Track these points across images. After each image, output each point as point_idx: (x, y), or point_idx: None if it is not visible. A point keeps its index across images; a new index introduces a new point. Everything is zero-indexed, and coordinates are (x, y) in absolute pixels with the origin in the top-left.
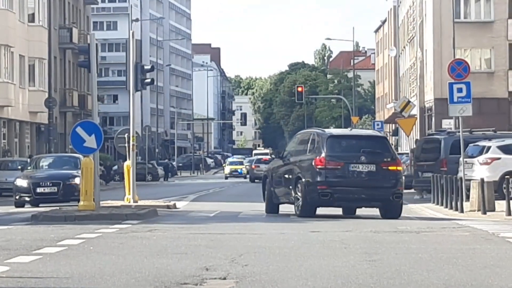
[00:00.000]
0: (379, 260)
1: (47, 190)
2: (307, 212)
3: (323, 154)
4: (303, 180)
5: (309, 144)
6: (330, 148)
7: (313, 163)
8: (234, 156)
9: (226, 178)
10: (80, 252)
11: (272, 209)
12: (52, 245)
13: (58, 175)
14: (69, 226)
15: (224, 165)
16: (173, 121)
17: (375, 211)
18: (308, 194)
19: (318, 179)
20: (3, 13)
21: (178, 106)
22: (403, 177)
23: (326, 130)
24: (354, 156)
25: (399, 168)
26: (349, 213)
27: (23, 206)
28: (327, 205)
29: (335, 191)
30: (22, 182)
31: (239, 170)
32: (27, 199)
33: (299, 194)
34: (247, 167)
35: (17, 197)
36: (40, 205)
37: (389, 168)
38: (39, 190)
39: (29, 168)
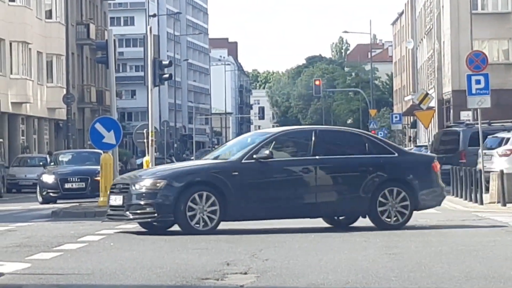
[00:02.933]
0: (399, 254)
1: (75, 185)
2: None
3: None
4: None
5: None
6: None
7: None
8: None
9: None
10: (100, 248)
11: None
12: (72, 242)
13: (85, 170)
14: (89, 222)
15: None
16: (191, 116)
17: None
18: None
19: None
20: (21, 10)
21: (196, 101)
22: None
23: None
24: None
25: None
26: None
27: (49, 203)
28: None
29: None
30: (48, 178)
31: None
32: (54, 195)
33: None
34: None
35: (44, 193)
36: (67, 201)
37: None
38: (67, 185)
39: (52, 164)
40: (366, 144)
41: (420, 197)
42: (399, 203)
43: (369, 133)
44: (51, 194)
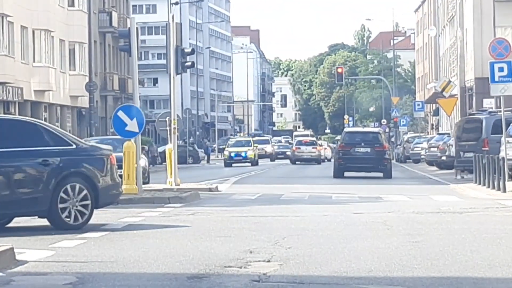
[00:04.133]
0: (422, 241)
1: None
2: (336, 173)
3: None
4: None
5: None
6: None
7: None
8: (243, 135)
9: (226, 165)
10: (123, 236)
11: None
12: (95, 229)
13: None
14: (112, 210)
15: (224, 146)
16: (213, 103)
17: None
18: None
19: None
20: None
21: (218, 88)
22: (389, 156)
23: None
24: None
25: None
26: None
27: None
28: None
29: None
30: None
31: (243, 154)
32: None
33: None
34: (255, 149)
35: None
36: None
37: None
38: None
39: None
40: (43, 135)
41: (101, 193)
42: (80, 201)
43: (46, 123)
44: None
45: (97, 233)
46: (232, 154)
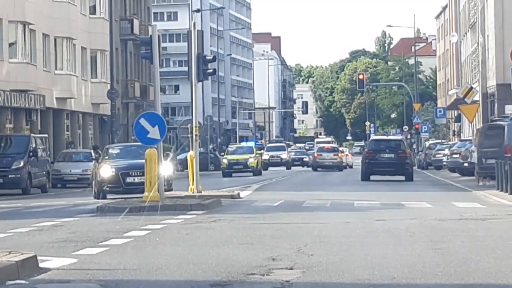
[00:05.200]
0: (445, 248)
1: (137, 179)
2: (363, 177)
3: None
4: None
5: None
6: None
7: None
8: (243, 142)
9: (225, 175)
10: (146, 243)
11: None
12: (118, 237)
13: (141, 164)
14: (134, 217)
15: (222, 154)
16: (234, 110)
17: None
18: (363, 167)
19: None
20: (65, 6)
21: (239, 95)
22: (411, 161)
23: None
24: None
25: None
26: None
27: (105, 198)
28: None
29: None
30: (108, 172)
31: (243, 162)
32: (114, 189)
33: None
34: (259, 156)
35: (103, 188)
36: (129, 195)
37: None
38: (128, 180)
39: (106, 157)
40: None
41: None
42: None
43: None
44: (109, 189)
45: (120, 240)
46: (232, 162)
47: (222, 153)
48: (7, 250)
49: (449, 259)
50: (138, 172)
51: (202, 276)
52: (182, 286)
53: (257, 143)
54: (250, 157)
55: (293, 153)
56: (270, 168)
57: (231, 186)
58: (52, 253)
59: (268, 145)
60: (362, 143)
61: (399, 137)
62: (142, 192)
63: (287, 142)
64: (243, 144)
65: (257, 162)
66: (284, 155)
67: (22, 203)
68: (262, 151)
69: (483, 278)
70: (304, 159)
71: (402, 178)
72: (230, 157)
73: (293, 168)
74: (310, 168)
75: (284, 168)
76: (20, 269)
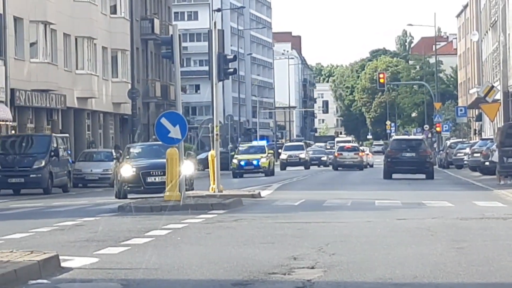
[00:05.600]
0: (466, 248)
1: (158, 179)
2: (386, 175)
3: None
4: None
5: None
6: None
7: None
8: (254, 141)
9: (235, 175)
10: (167, 242)
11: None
12: (139, 236)
13: (162, 164)
14: (155, 216)
15: (233, 154)
16: (255, 110)
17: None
18: (385, 166)
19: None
20: (86, 6)
21: (259, 95)
22: (432, 160)
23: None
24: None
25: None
26: None
27: (126, 197)
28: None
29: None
30: (129, 172)
31: (254, 162)
32: (135, 189)
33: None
34: (271, 156)
35: (124, 187)
36: (149, 195)
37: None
38: (149, 179)
39: (127, 157)
40: None
41: None
42: None
43: None
44: (130, 188)
45: (141, 239)
46: (242, 163)
47: (270, 152)
48: (29, 250)
49: (471, 258)
50: (159, 172)
51: (223, 276)
52: (204, 285)
53: (268, 142)
54: (262, 157)
55: (311, 152)
56: (288, 168)
57: (252, 185)
58: (74, 253)
59: (286, 144)
60: (381, 142)
61: (420, 137)
62: (163, 191)
63: (308, 141)
64: (255, 143)
65: (269, 162)
66: (302, 154)
67: (44, 203)
68: (272, 150)
69: (505, 277)
70: (322, 159)
71: (423, 176)
72: (240, 156)
73: (311, 168)
74: (329, 168)
75: (302, 168)
76: (42, 269)
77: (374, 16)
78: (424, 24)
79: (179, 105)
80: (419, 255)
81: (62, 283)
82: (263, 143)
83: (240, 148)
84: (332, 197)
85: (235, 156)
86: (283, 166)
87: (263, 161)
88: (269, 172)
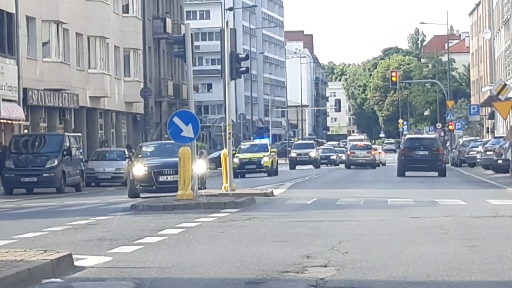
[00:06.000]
0: (480, 246)
1: (170, 178)
2: (399, 173)
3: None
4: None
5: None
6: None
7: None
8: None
9: (236, 175)
10: (180, 241)
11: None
12: (152, 235)
13: (175, 163)
14: (168, 215)
15: (234, 152)
16: (267, 108)
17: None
18: (399, 164)
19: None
20: (98, 5)
21: (272, 93)
22: (444, 158)
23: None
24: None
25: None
26: None
27: (138, 196)
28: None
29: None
30: (141, 171)
31: (256, 161)
32: (147, 188)
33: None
34: (274, 155)
35: (136, 187)
36: (162, 194)
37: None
38: (161, 178)
39: (139, 156)
40: None
41: None
42: None
43: None
44: (144, 187)
45: (154, 238)
46: (244, 162)
47: (273, 151)
48: (42, 249)
49: (484, 256)
50: (171, 171)
51: (236, 274)
52: (217, 284)
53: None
54: (264, 156)
55: (320, 151)
56: (298, 167)
57: (265, 184)
58: (87, 252)
59: (296, 142)
60: (392, 141)
61: (432, 136)
62: (175, 191)
63: (320, 140)
64: (257, 141)
65: (272, 162)
66: (312, 153)
67: (57, 202)
68: (275, 149)
69: None
70: (331, 157)
71: (435, 174)
72: (242, 155)
73: (321, 167)
74: (340, 166)
75: (311, 167)
76: (56, 268)
77: (386, 15)
78: (436, 22)
79: (192, 104)
80: (432, 253)
81: (76, 282)
82: (266, 141)
83: (241, 146)
84: (345, 195)
85: (236, 154)
86: (292, 165)
87: (266, 160)
88: (272, 172)
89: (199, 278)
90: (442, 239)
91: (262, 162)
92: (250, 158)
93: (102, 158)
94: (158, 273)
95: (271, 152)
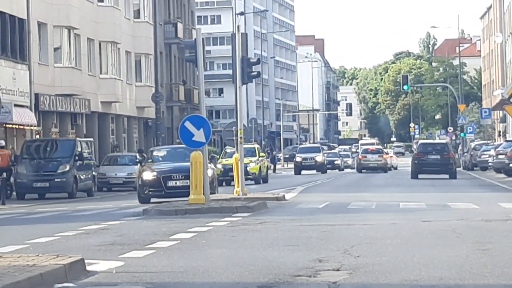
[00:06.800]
0: (492, 249)
1: (179, 183)
2: (413, 175)
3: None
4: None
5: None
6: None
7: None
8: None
9: (221, 182)
10: (192, 245)
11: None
12: (164, 239)
13: (188, 167)
14: (180, 220)
15: (218, 157)
16: (278, 113)
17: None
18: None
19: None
20: (110, 11)
21: (283, 98)
22: (455, 160)
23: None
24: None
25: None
26: None
27: (149, 202)
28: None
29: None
30: (150, 176)
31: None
32: (156, 193)
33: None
34: (263, 160)
35: (145, 192)
36: (171, 199)
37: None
38: (170, 183)
39: (149, 161)
40: None
41: None
42: None
43: None
44: (153, 192)
45: (166, 242)
46: (228, 168)
47: (262, 155)
48: (54, 254)
49: (497, 259)
50: (181, 176)
51: (249, 278)
52: None
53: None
54: (251, 162)
55: (325, 155)
56: (304, 172)
57: (277, 188)
58: (99, 256)
59: (301, 146)
60: (401, 144)
61: (444, 141)
62: (184, 196)
63: (332, 144)
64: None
65: (260, 168)
66: (319, 157)
67: (69, 207)
68: (264, 154)
69: None
70: (336, 162)
71: (447, 176)
72: (226, 161)
73: (328, 172)
74: (347, 171)
75: (318, 172)
76: (68, 272)
77: (397, 19)
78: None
79: (203, 109)
80: (444, 257)
81: (88, 287)
82: (255, 145)
83: (226, 151)
84: (357, 199)
85: (219, 160)
86: (298, 170)
87: (252, 166)
88: (261, 179)
89: (212, 282)
90: (454, 242)
91: (248, 169)
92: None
93: (114, 163)
94: (170, 278)
95: (259, 157)
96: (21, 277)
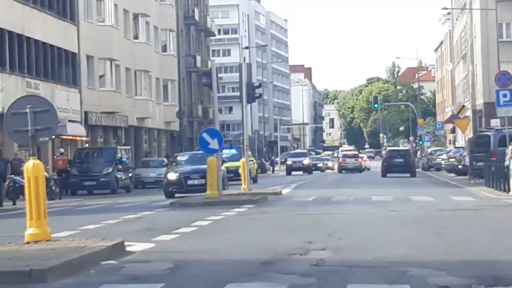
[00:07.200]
0: (445, 233)
1: (196, 182)
2: (382, 175)
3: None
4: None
5: None
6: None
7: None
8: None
9: (169, 194)
10: (209, 231)
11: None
12: (187, 226)
13: (205, 169)
14: (199, 210)
15: (252, 160)
16: (276, 126)
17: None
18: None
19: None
20: (143, 46)
21: (279, 114)
22: (414, 163)
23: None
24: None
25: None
26: None
27: (173, 196)
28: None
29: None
30: (173, 176)
31: (234, 170)
32: (179, 190)
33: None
34: (253, 163)
35: (169, 189)
36: (189, 194)
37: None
38: (189, 182)
39: (174, 164)
40: None
41: None
42: None
43: None
44: (175, 189)
45: (188, 228)
46: (228, 169)
47: (251, 160)
48: (100, 237)
49: (449, 241)
50: (197, 176)
51: (253, 256)
52: (238, 264)
53: (238, 150)
54: (238, 164)
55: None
56: (293, 173)
57: (275, 185)
58: (136, 239)
59: (291, 152)
60: (371, 150)
61: (406, 148)
62: (201, 191)
63: (317, 150)
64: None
65: (250, 170)
66: (305, 160)
67: (111, 201)
68: (253, 159)
69: (477, 255)
70: (318, 165)
71: (408, 175)
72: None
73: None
74: (328, 172)
75: (305, 173)
76: (111, 252)
77: (369, 51)
78: (408, 57)
79: (217, 123)
80: (407, 239)
81: (127, 263)
82: (233, 151)
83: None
84: (338, 194)
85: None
86: (289, 171)
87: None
88: (250, 180)
89: (225, 260)
90: (415, 228)
91: (240, 171)
92: (228, 167)
93: (147, 166)
94: (192, 256)
95: (249, 161)
96: (75, 255)
